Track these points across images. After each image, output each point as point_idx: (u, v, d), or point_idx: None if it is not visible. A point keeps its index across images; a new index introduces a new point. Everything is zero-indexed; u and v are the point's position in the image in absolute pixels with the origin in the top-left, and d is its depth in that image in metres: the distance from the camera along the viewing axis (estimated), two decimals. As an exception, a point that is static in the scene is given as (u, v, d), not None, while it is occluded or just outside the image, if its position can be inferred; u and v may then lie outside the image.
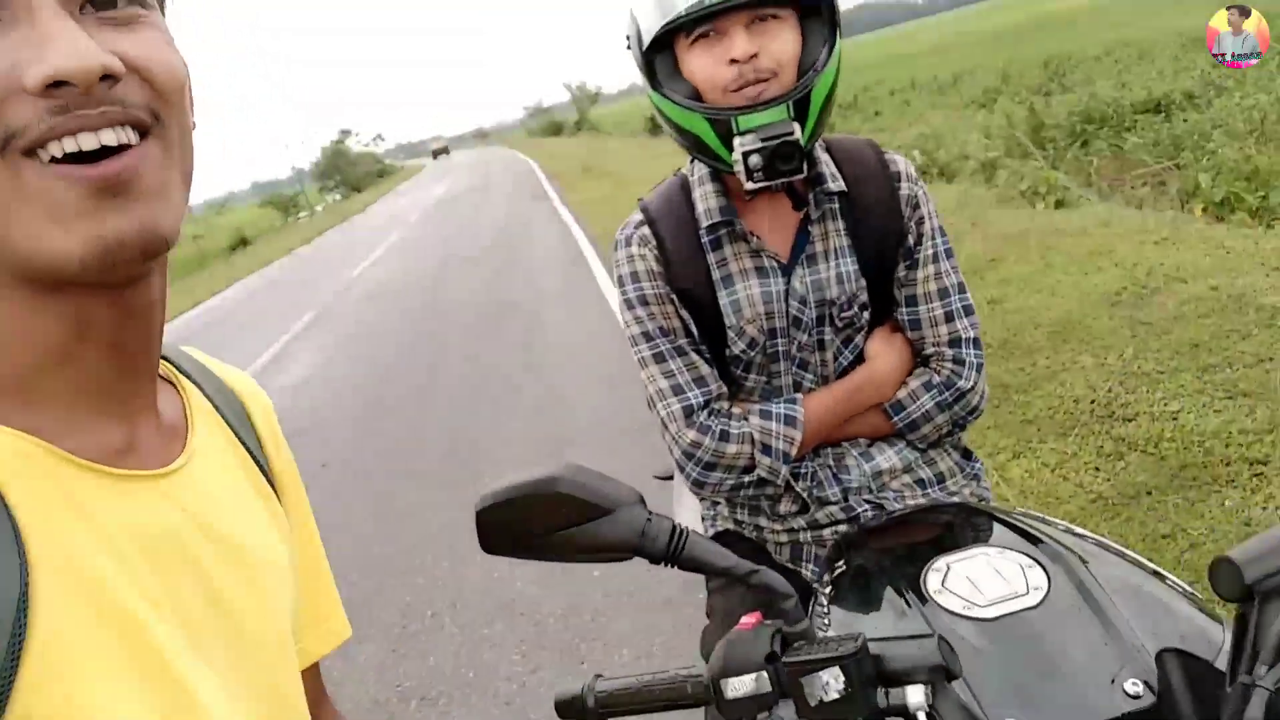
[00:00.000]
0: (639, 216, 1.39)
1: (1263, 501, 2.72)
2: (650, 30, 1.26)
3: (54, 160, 0.50)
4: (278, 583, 0.69)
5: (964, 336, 1.35)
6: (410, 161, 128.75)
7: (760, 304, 1.33)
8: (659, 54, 1.29)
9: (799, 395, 1.34)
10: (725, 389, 1.37)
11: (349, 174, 78.22)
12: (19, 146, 0.49)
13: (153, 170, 0.53)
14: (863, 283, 1.33)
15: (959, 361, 1.35)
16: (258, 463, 0.74)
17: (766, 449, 1.30)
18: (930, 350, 1.36)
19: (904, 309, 1.36)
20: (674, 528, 0.84)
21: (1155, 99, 11.48)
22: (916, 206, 1.34)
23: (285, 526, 0.75)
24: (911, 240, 1.35)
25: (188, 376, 0.72)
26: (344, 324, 10.27)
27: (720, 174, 1.34)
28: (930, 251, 1.35)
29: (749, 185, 1.22)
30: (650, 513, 0.85)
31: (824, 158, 1.34)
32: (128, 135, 0.52)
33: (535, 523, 0.84)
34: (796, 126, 1.20)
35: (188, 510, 0.61)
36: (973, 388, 1.35)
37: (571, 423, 5.08)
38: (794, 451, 1.30)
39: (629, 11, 1.32)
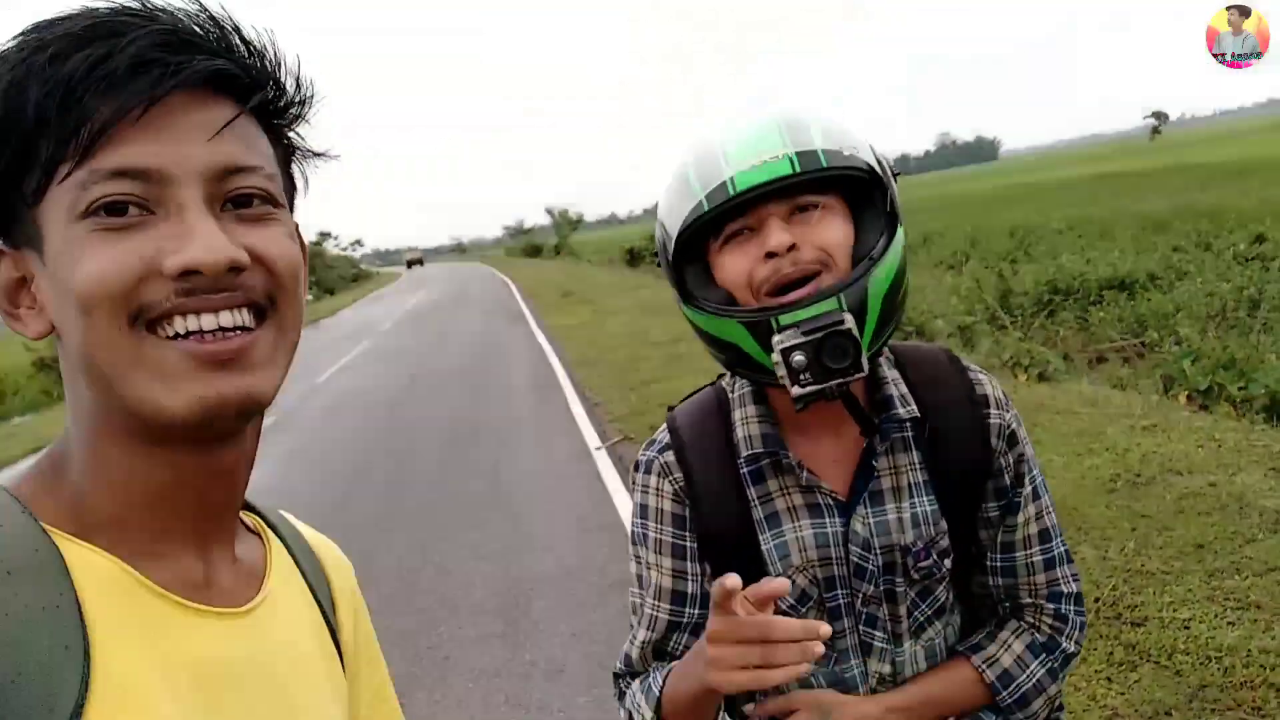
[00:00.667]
0: (665, 438, 1.18)
1: (1294, 736, 2.52)
2: (674, 233, 1.07)
3: (176, 337, 0.58)
4: None
5: (1065, 591, 1.15)
6: (385, 269, 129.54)
7: (813, 549, 1.10)
8: (690, 264, 1.09)
9: (674, 665, 1.10)
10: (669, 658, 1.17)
11: (324, 276, 78.56)
12: (147, 319, 0.57)
13: (262, 348, 0.61)
14: (944, 525, 1.12)
15: (1061, 618, 1.15)
16: (330, 627, 0.77)
17: None
18: (1026, 601, 1.16)
19: (998, 556, 1.15)
20: None
21: (1120, 276, 11.87)
22: (1014, 441, 1.14)
23: (344, 695, 0.77)
24: (1008, 479, 1.13)
25: (275, 533, 0.77)
26: (301, 435, 9.82)
27: (764, 395, 1.14)
28: (1030, 489, 1.14)
29: (796, 391, 0.98)
30: None
31: (892, 375, 1.13)
32: (244, 317, 0.60)
33: None
34: (849, 317, 0.97)
35: (251, 651, 0.65)
36: (1077, 653, 1.16)
37: (538, 569, 4.78)
38: None
39: (657, 221, 1.13)
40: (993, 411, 1.14)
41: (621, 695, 1.18)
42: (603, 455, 6.83)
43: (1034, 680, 1.12)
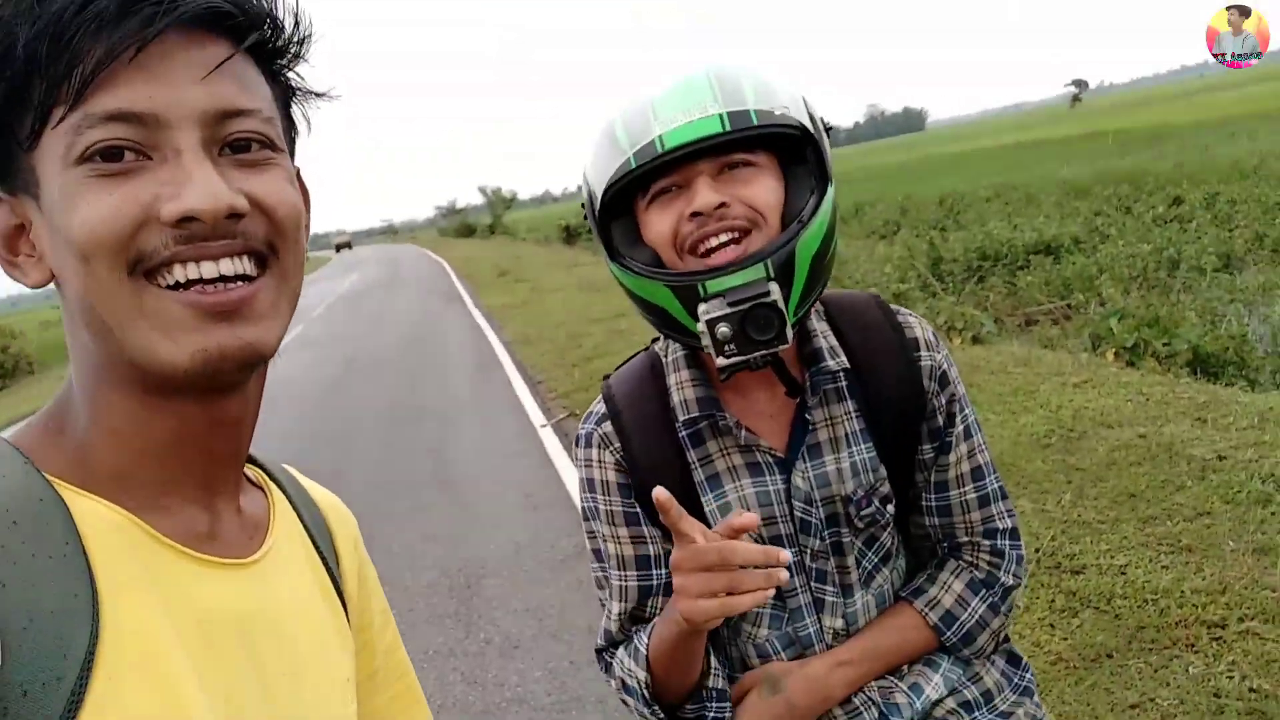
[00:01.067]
0: (602, 408, 1.17)
1: (1227, 669, 2.63)
2: (601, 189, 1.04)
3: (176, 286, 0.57)
4: (330, 689, 0.71)
5: (1001, 527, 1.17)
6: (315, 253, 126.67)
7: (757, 507, 1.10)
8: (617, 220, 1.08)
9: (655, 621, 1.10)
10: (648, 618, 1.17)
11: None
12: (145, 269, 0.56)
13: (264, 298, 0.60)
14: (883, 472, 1.13)
15: (998, 554, 1.17)
16: (334, 579, 0.77)
17: (625, 687, 1.12)
18: (963, 539, 1.17)
19: (932, 495, 1.16)
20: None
21: (1045, 241, 12.19)
22: (945, 381, 1.14)
23: (350, 643, 0.77)
24: (941, 419, 1.14)
25: (278, 485, 0.77)
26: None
27: (698, 358, 1.13)
28: (962, 428, 1.15)
29: (721, 361, 0.98)
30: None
31: (821, 328, 1.13)
32: (244, 265, 0.59)
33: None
34: (775, 287, 0.96)
35: (256, 602, 0.65)
36: (1017, 585, 1.18)
37: (488, 548, 4.75)
38: (651, 691, 1.08)
39: (582, 174, 1.11)
40: (923, 354, 1.14)
41: (608, 667, 1.18)
42: (548, 432, 6.80)
43: (976, 617, 1.14)
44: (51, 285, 0.61)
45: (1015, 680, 1.18)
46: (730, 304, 0.96)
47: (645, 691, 1.09)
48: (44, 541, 0.54)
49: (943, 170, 33.38)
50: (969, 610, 1.14)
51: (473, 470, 6.26)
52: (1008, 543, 1.17)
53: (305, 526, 0.77)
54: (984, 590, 1.15)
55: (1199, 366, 5.99)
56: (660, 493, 0.90)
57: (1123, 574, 3.23)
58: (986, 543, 1.16)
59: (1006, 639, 1.22)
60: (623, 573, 1.14)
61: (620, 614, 1.15)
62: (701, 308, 0.98)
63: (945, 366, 1.15)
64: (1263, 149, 19.58)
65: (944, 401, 1.15)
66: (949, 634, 1.13)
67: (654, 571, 1.14)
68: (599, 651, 1.20)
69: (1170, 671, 2.69)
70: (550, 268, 21.78)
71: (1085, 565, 3.34)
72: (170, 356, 0.57)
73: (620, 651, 1.15)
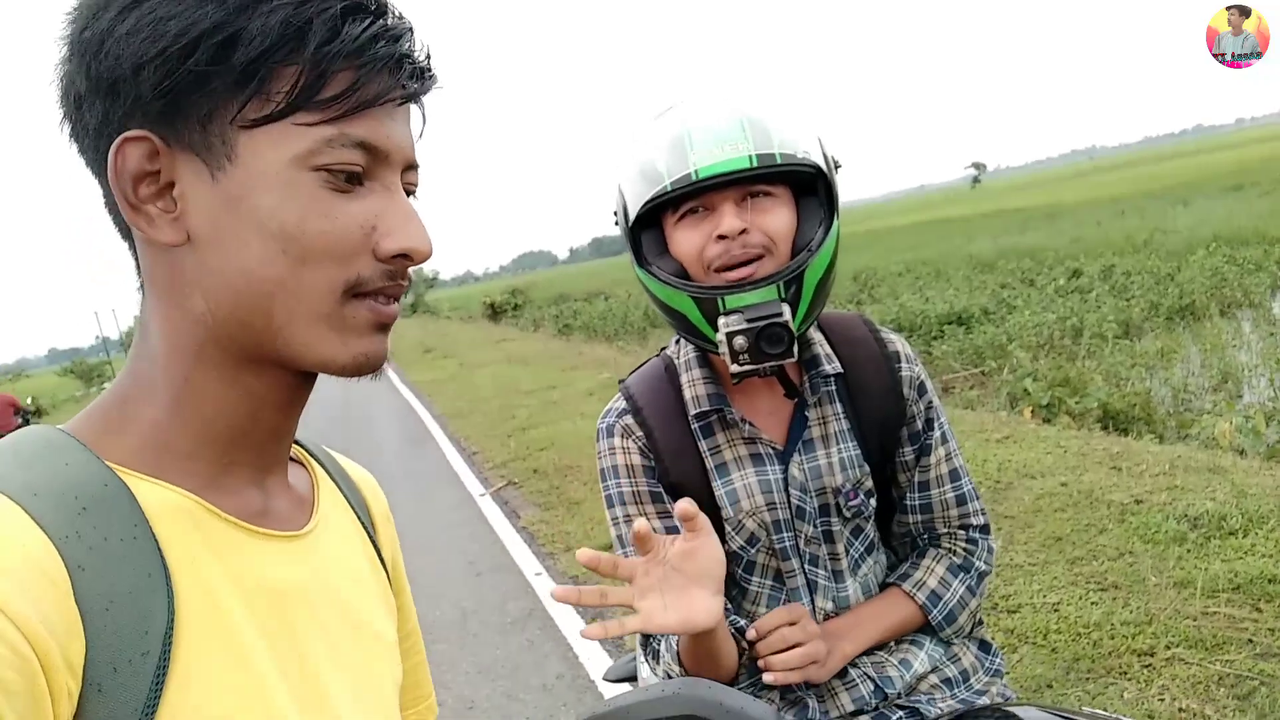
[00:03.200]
0: (622, 404, 1.30)
1: (1158, 693, 2.79)
2: (636, 204, 1.19)
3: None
4: (386, 652, 0.76)
5: (975, 524, 1.32)
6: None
7: (759, 494, 1.23)
8: (646, 230, 1.22)
9: None
10: None
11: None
12: (354, 291, 0.62)
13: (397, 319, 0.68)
14: (866, 468, 1.27)
15: (972, 542, 1.32)
16: (375, 546, 0.81)
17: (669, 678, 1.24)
18: (942, 531, 1.32)
19: (915, 494, 1.31)
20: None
21: (957, 312, 12.74)
22: (923, 390, 1.31)
23: (393, 607, 0.82)
24: (920, 424, 1.30)
25: (319, 463, 0.81)
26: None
27: (709, 357, 1.27)
28: (939, 433, 1.31)
29: (734, 368, 1.14)
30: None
31: (818, 337, 1.28)
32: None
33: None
34: (786, 308, 1.12)
35: (314, 571, 0.69)
36: (989, 571, 1.32)
37: (434, 615, 4.70)
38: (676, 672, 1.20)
39: (616, 186, 1.26)
40: (903, 365, 1.30)
41: (656, 655, 1.25)
42: (488, 501, 6.78)
43: (957, 597, 1.27)
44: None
45: (988, 664, 1.31)
46: (748, 320, 1.11)
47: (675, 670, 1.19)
48: (114, 525, 0.56)
49: (855, 248, 34.64)
50: (950, 591, 1.27)
51: (412, 540, 6.18)
52: (980, 535, 1.32)
53: (345, 497, 0.81)
54: (962, 574, 1.28)
55: (1109, 422, 6.36)
56: (683, 504, 0.99)
57: (1056, 611, 3.41)
58: (963, 534, 1.31)
59: (981, 623, 1.35)
60: None
61: None
62: (722, 321, 1.12)
63: (922, 378, 1.31)
64: (1150, 224, 20.93)
65: (922, 409, 1.30)
66: (935, 612, 1.26)
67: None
68: (645, 639, 1.29)
69: (1106, 698, 2.84)
70: (477, 344, 21.76)
71: (1020, 604, 3.51)
72: (333, 354, 0.63)
73: (662, 644, 1.24)
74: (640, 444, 1.26)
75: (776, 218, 1.15)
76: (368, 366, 0.65)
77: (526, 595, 4.70)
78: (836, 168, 1.22)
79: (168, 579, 0.57)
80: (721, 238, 1.13)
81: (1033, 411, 6.60)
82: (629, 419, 1.27)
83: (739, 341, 1.11)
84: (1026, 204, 43.11)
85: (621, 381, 1.34)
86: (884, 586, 1.31)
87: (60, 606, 0.51)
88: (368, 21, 0.60)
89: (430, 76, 0.65)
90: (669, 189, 1.14)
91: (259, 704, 0.59)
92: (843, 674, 1.24)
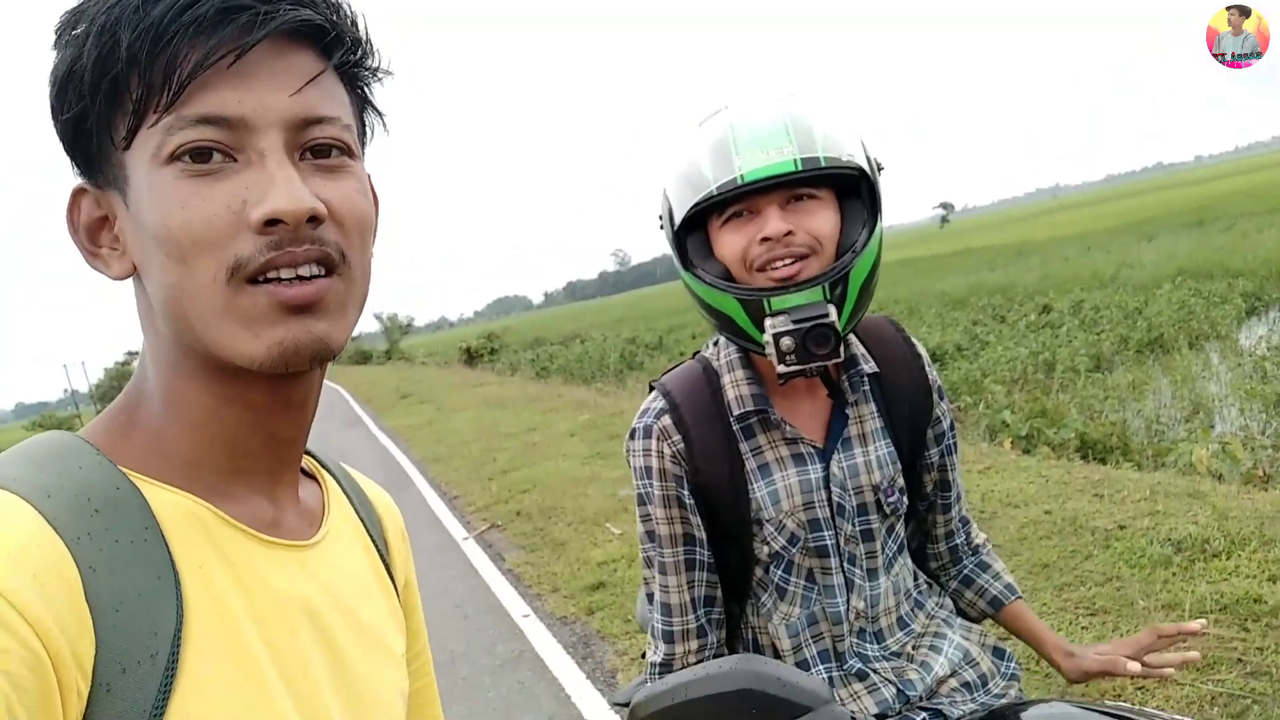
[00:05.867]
0: (660, 404, 1.30)
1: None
2: (682, 209, 1.22)
3: (256, 281, 0.59)
4: (394, 665, 0.76)
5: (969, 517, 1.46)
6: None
7: (799, 494, 1.25)
8: (691, 234, 1.25)
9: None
10: (722, 616, 1.31)
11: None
12: (243, 275, 0.58)
13: (334, 298, 0.62)
14: (899, 466, 1.30)
15: (973, 543, 1.47)
16: (384, 562, 0.81)
17: None
18: (966, 514, 1.45)
19: (946, 492, 1.40)
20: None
21: (930, 349, 12.84)
22: (941, 394, 1.36)
23: (402, 623, 0.81)
24: (945, 426, 1.36)
25: (334, 477, 0.81)
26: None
27: (750, 360, 1.29)
28: (954, 438, 1.39)
29: (781, 369, 1.15)
30: (851, 710, 0.75)
31: (852, 339, 1.31)
32: (318, 270, 0.61)
33: (715, 731, 0.72)
34: (833, 309, 1.14)
35: (322, 582, 0.68)
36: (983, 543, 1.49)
37: (421, 659, 4.64)
38: None
39: (662, 191, 1.29)
40: (929, 369, 1.35)
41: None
42: (471, 544, 6.72)
43: (1003, 582, 1.44)
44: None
45: (1004, 669, 1.34)
46: (795, 321, 1.13)
47: None
48: (125, 528, 0.56)
49: (829, 287, 34.87)
50: (997, 583, 1.43)
51: (396, 586, 6.11)
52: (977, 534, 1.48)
53: (357, 513, 0.80)
54: (971, 548, 1.46)
55: (1088, 451, 6.43)
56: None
57: (1048, 637, 3.42)
58: (965, 539, 1.44)
59: (987, 632, 1.39)
60: (674, 549, 1.27)
61: (687, 584, 1.28)
62: (769, 322, 1.14)
63: (940, 382, 1.36)
64: (1116, 259, 21.35)
65: (944, 411, 1.36)
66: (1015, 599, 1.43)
67: (696, 550, 1.27)
68: (685, 637, 1.31)
69: (1103, 721, 2.85)
70: (454, 388, 21.66)
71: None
72: (249, 349, 0.59)
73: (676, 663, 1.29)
74: (675, 448, 1.26)
75: (821, 219, 1.17)
76: (293, 356, 0.60)
77: (515, 637, 4.65)
78: (880, 170, 1.24)
79: (177, 582, 0.57)
80: (766, 239, 1.16)
81: (1012, 443, 6.67)
82: (666, 419, 1.27)
83: (786, 342, 1.13)
84: (995, 242, 43.90)
85: (655, 381, 1.35)
86: (997, 603, 1.42)
87: (72, 606, 0.52)
88: None
89: (280, 14, 0.59)
90: (715, 193, 1.16)
91: (263, 710, 0.59)
92: (864, 677, 1.26)
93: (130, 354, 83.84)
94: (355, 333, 0.68)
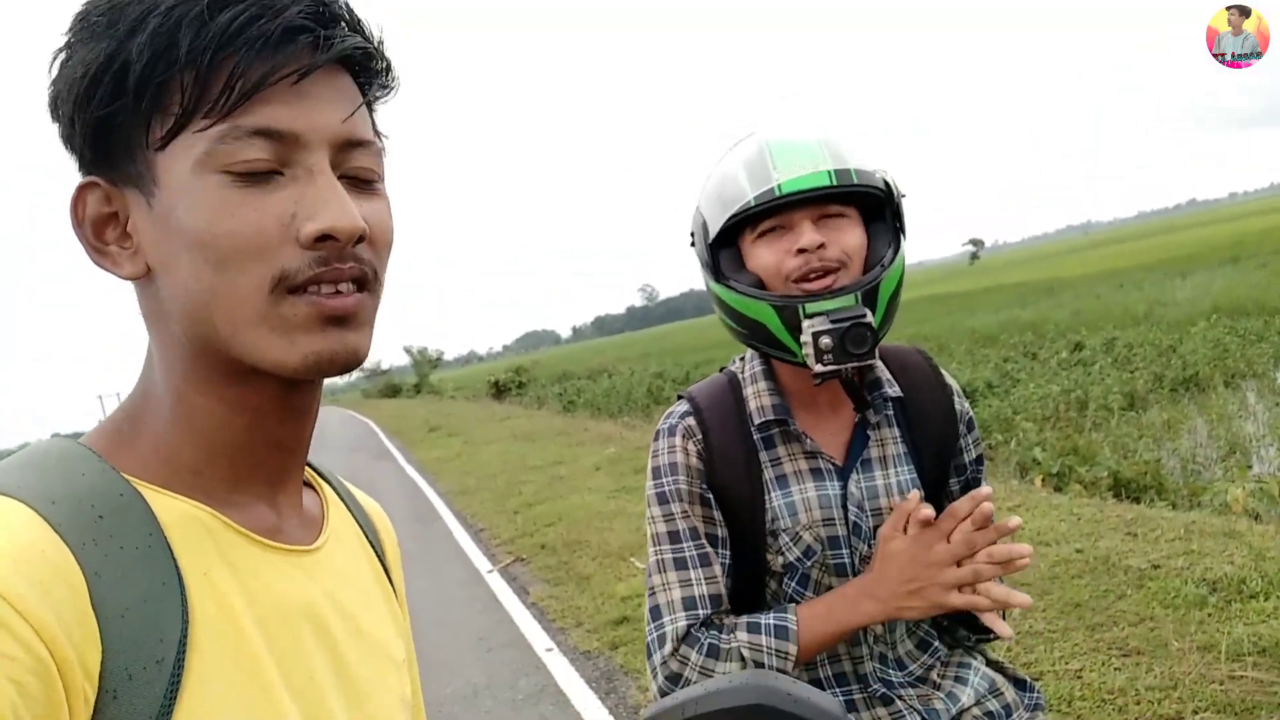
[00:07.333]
0: (684, 407, 1.33)
1: (1189, 760, 2.74)
2: (717, 222, 1.25)
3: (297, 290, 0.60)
4: (395, 670, 0.75)
5: None
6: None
7: (817, 509, 1.26)
8: (723, 249, 1.28)
9: (791, 605, 1.23)
10: (729, 607, 1.28)
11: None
12: (286, 286, 0.59)
13: (365, 313, 0.64)
14: (920, 493, 1.29)
15: None
16: (385, 568, 0.82)
17: (759, 666, 1.19)
18: None
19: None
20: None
21: (961, 386, 12.67)
22: (971, 425, 1.35)
23: (404, 628, 0.82)
24: (970, 459, 1.35)
25: (330, 486, 0.81)
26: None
27: (773, 373, 1.31)
28: (982, 472, 1.36)
29: (818, 368, 1.16)
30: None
31: (878, 365, 1.32)
32: (354, 287, 0.63)
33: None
34: (869, 311, 1.17)
35: (324, 587, 0.69)
36: None
37: (444, 692, 4.62)
38: (789, 667, 1.19)
39: (695, 208, 1.33)
40: (957, 400, 1.35)
41: (713, 650, 1.21)
42: (495, 577, 6.71)
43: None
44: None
45: (1028, 700, 1.33)
46: (834, 321, 1.15)
47: (789, 664, 1.19)
48: (129, 534, 0.56)
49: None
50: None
51: (421, 617, 6.08)
52: None
53: (356, 520, 0.81)
54: None
55: (1120, 490, 6.32)
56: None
57: (1079, 678, 3.36)
58: None
59: (1013, 668, 1.35)
60: (696, 541, 1.26)
61: (702, 579, 1.25)
62: (807, 323, 1.17)
63: (971, 414, 1.36)
64: (1149, 297, 21.11)
65: (971, 443, 1.35)
66: None
67: (718, 548, 1.27)
68: (690, 629, 1.23)
69: (1136, 765, 2.78)
70: (482, 422, 21.75)
71: (1043, 672, 3.46)
72: (283, 356, 0.60)
73: (740, 634, 1.21)
74: (699, 446, 1.28)
75: (851, 235, 1.22)
76: (327, 365, 0.61)
77: (538, 671, 4.63)
78: (902, 197, 1.28)
79: (182, 587, 0.57)
80: (801, 251, 1.19)
81: (1044, 480, 6.57)
82: (691, 420, 1.30)
83: (825, 341, 1.15)
84: (1025, 279, 43.56)
85: (683, 391, 1.38)
86: None
87: (78, 612, 0.52)
88: (239, 6, 0.58)
89: (339, 40, 0.61)
90: (753, 204, 1.20)
91: (268, 715, 0.59)
92: (889, 702, 1.25)
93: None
94: (386, 366, 0.69)
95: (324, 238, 0.59)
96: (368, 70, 0.66)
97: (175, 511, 0.60)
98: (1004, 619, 1.33)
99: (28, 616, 0.49)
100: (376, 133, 0.71)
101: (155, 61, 0.57)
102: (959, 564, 1.15)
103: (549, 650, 4.90)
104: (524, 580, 6.50)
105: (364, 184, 0.64)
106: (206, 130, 0.58)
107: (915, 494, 1.21)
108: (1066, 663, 3.49)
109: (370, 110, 0.69)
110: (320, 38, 0.60)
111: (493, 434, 17.83)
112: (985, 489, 1.17)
